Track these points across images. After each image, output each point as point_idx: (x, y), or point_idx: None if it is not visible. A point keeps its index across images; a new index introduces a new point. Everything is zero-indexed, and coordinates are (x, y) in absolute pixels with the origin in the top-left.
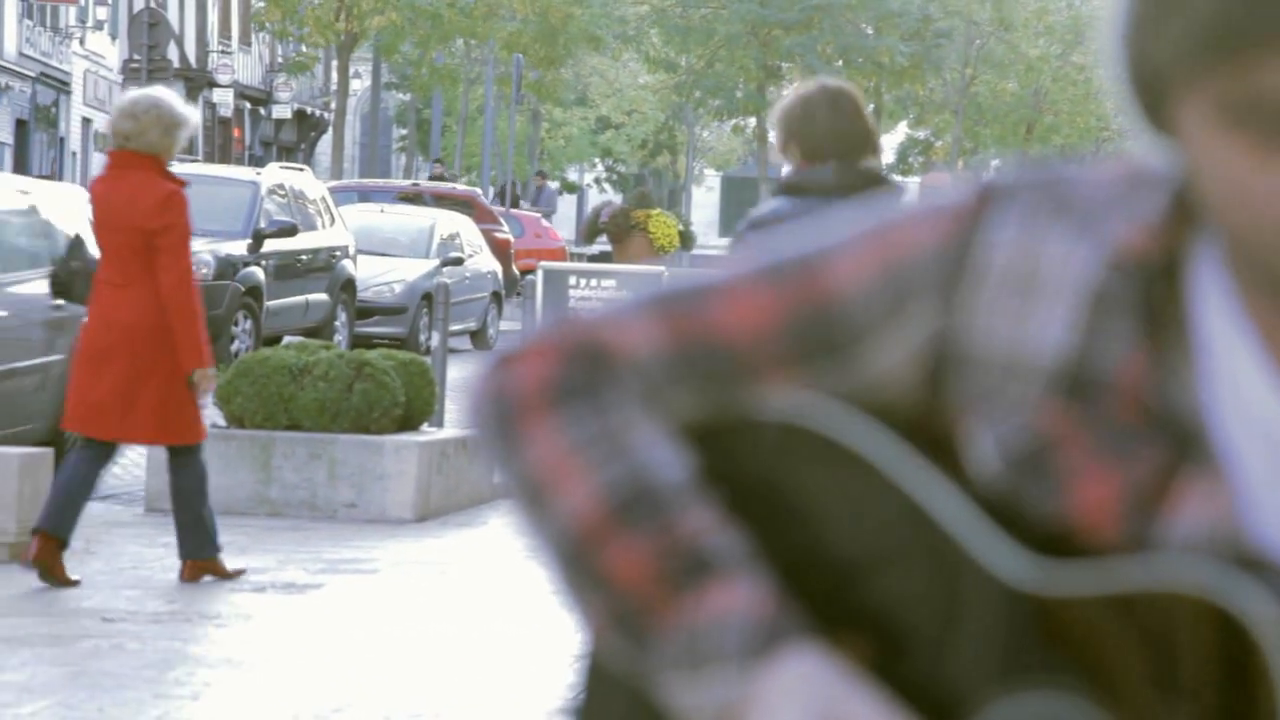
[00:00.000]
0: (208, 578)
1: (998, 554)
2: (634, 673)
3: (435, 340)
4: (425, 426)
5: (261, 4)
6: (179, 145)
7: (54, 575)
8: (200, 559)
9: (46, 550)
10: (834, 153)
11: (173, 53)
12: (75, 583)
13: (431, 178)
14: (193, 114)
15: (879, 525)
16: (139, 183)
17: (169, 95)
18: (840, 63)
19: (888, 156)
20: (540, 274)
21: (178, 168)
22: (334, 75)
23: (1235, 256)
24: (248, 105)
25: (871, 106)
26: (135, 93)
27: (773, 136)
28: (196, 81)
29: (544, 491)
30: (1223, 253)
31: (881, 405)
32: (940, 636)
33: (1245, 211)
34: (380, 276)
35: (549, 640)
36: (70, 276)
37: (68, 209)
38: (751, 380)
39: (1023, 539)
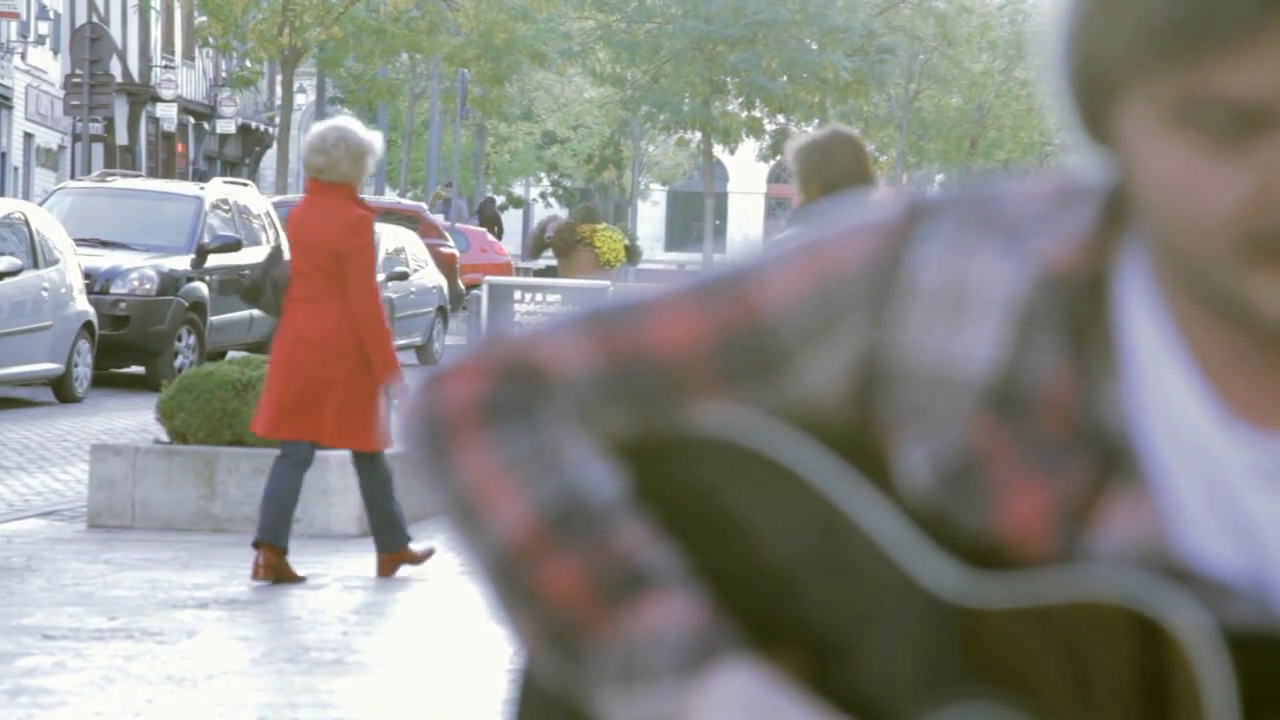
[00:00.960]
0: (402, 569)
1: (928, 567)
2: (569, 688)
3: None
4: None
5: (204, 19)
6: (368, 171)
7: (286, 577)
8: (394, 552)
9: (272, 560)
10: (850, 186)
11: (115, 67)
12: (303, 579)
13: (436, 198)
14: (376, 139)
15: (811, 540)
16: (332, 208)
17: (353, 125)
18: (785, 78)
19: None
20: (485, 289)
21: (120, 182)
22: (278, 90)
23: (1168, 266)
24: (191, 120)
25: (816, 122)
26: (322, 127)
27: (782, 167)
28: (140, 96)
29: (477, 509)
30: (1153, 265)
31: (813, 421)
32: (872, 650)
33: (1185, 212)
34: None
35: (493, 655)
36: (265, 286)
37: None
38: (684, 398)
39: (953, 552)
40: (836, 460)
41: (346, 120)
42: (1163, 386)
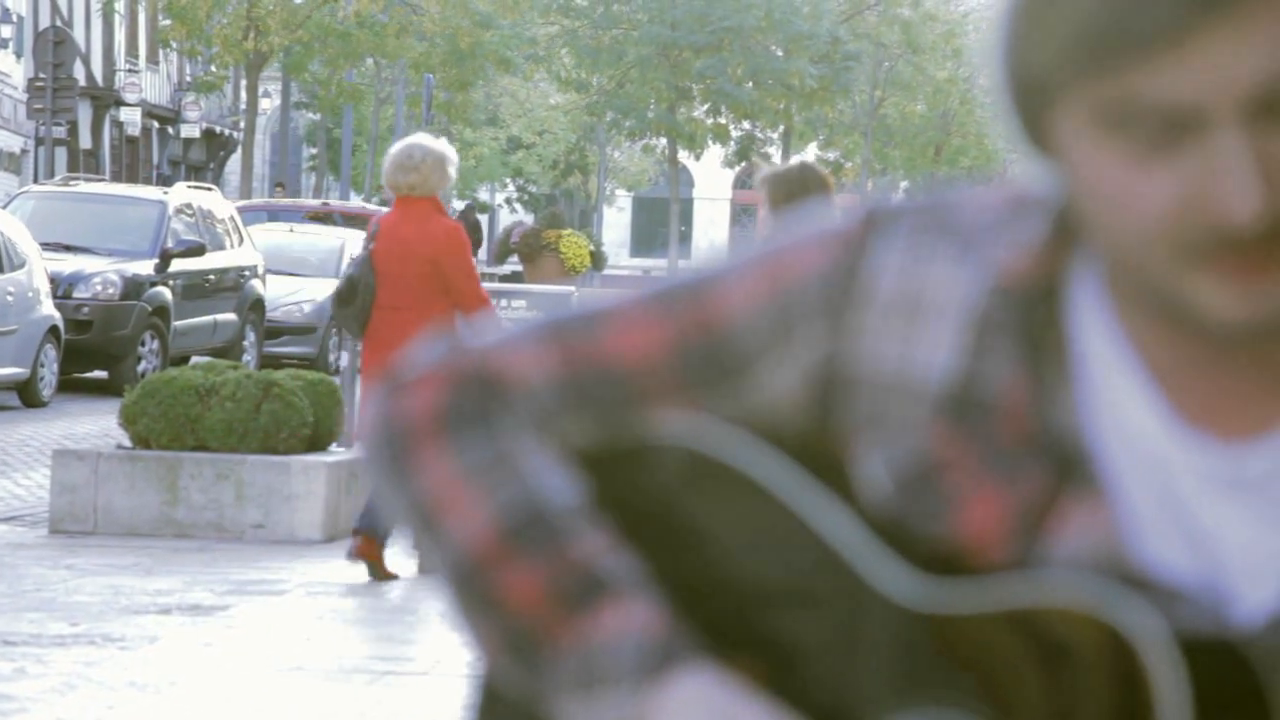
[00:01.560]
0: (358, 573)
1: (887, 573)
2: (529, 695)
3: (345, 360)
4: (333, 447)
5: (168, 22)
6: (451, 181)
7: (379, 573)
8: (377, 544)
9: (369, 549)
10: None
11: (79, 71)
12: (395, 576)
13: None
14: (452, 151)
15: (771, 547)
16: (424, 220)
17: (432, 141)
18: (750, 84)
19: None
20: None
21: (83, 187)
22: (243, 94)
23: (1113, 271)
24: (156, 124)
25: (781, 128)
26: (406, 145)
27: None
28: (103, 100)
29: (437, 517)
30: (1102, 272)
31: (773, 428)
32: (831, 656)
33: (1122, 218)
34: (289, 296)
35: (456, 661)
36: (358, 291)
37: None
38: (643, 406)
39: (911, 559)
40: (795, 467)
41: (423, 137)
42: (1116, 393)
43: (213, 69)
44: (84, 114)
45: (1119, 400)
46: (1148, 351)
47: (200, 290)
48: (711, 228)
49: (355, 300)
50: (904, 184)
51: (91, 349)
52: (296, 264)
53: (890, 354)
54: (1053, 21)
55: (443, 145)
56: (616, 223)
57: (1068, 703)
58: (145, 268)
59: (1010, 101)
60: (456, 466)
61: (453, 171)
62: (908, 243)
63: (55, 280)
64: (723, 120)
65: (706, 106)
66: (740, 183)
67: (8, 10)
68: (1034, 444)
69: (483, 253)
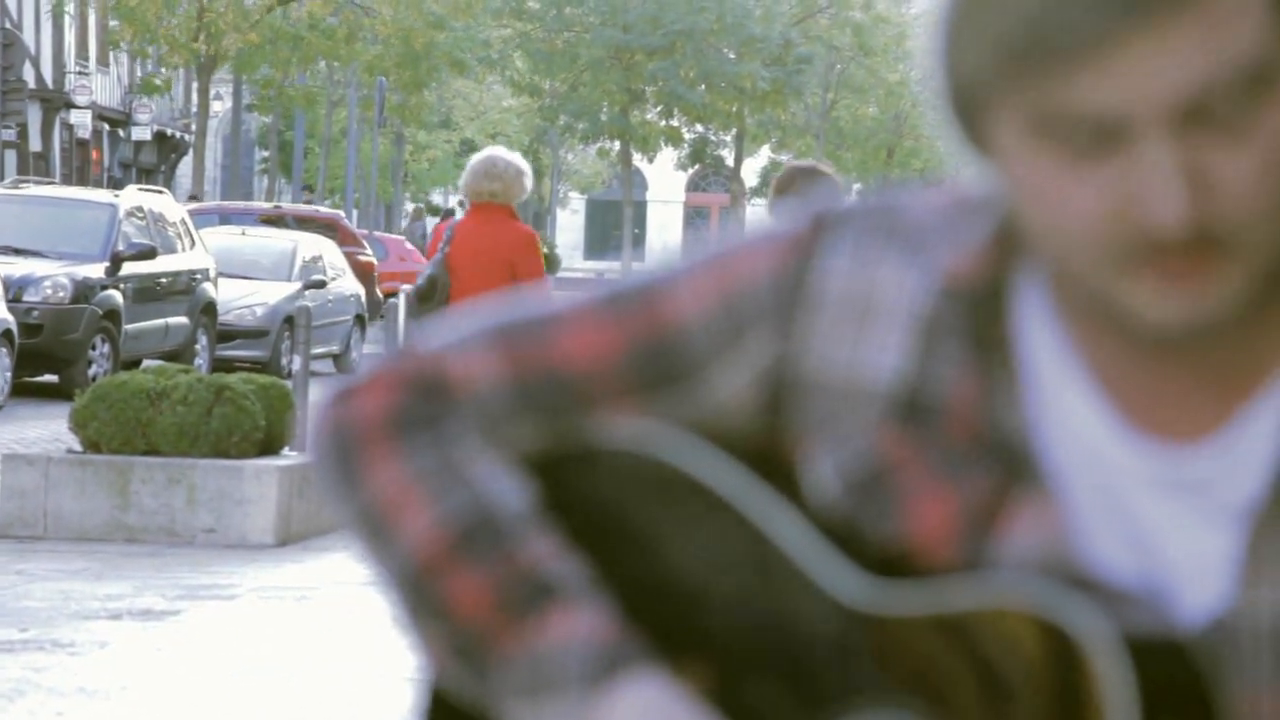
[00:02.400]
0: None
1: (836, 575)
2: (476, 700)
3: (297, 364)
4: (286, 450)
5: (117, 24)
6: (528, 191)
7: None
8: None
9: None
10: None
11: (29, 73)
12: None
13: (417, 215)
14: (525, 164)
15: (719, 551)
16: (502, 225)
17: (510, 154)
18: (703, 87)
19: (750, 180)
20: (403, 297)
21: (33, 189)
22: (194, 96)
23: (1051, 273)
24: (106, 127)
25: (734, 131)
26: (489, 155)
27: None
28: (53, 103)
29: (385, 522)
30: (1045, 274)
31: (723, 432)
32: (780, 659)
33: (1057, 223)
34: (242, 299)
35: (407, 665)
36: (436, 291)
37: None
38: (592, 410)
39: (861, 561)
40: (745, 471)
41: (502, 149)
42: (1061, 395)
43: (162, 70)
44: (34, 116)
45: (1064, 402)
46: (1090, 354)
47: (152, 293)
48: (665, 230)
49: (434, 297)
50: (856, 186)
51: (42, 353)
52: (249, 267)
53: (839, 357)
54: (982, 30)
55: (519, 160)
56: (570, 225)
57: (1015, 704)
58: (96, 271)
59: (949, 106)
60: (405, 471)
61: (528, 182)
62: (855, 246)
63: (5, 283)
64: (675, 123)
65: (659, 109)
66: (693, 185)
67: None
68: (982, 446)
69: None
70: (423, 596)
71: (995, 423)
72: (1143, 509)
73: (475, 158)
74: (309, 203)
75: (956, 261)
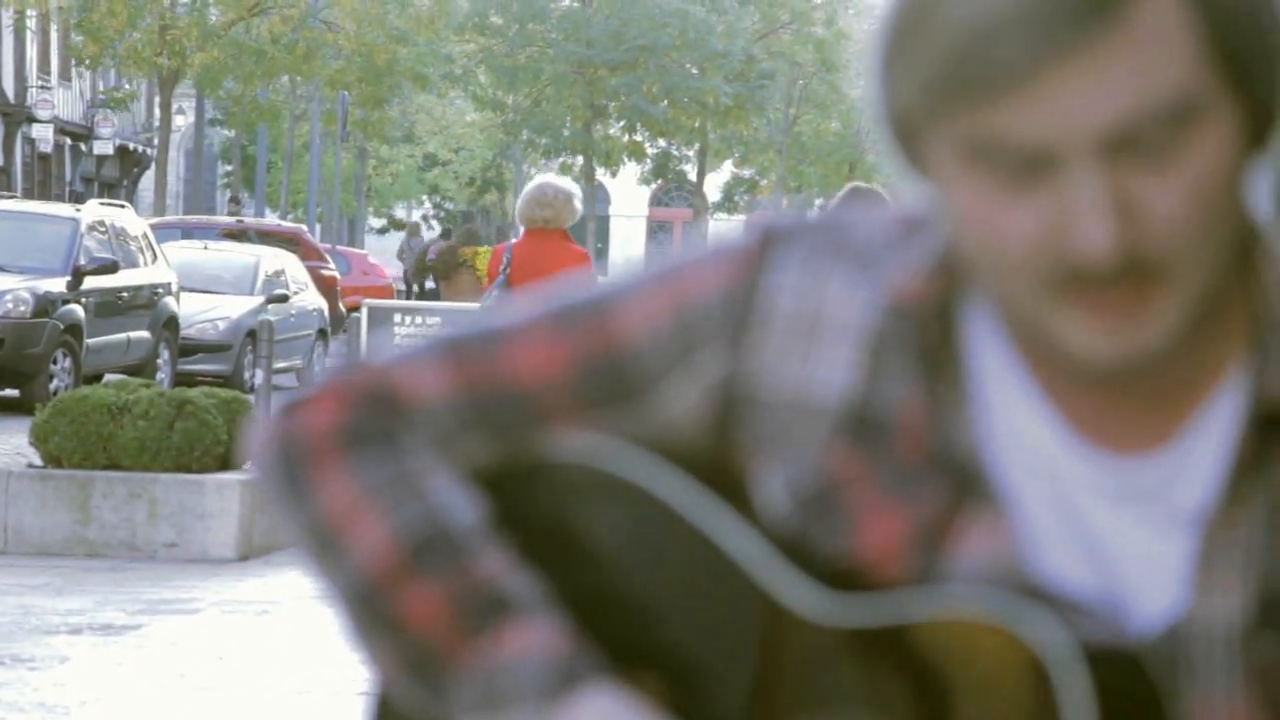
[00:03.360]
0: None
1: (789, 589)
2: (429, 715)
3: (260, 378)
4: (248, 465)
5: (80, 38)
6: (578, 215)
7: None
8: None
9: None
10: None
11: None
12: None
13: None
14: (577, 187)
15: (672, 564)
16: (557, 248)
17: (562, 180)
18: (665, 103)
19: (713, 195)
20: (364, 311)
21: None
22: (156, 111)
23: (988, 292)
24: (69, 141)
25: (697, 146)
26: (540, 184)
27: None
28: (15, 117)
29: (337, 537)
30: (988, 292)
31: (674, 447)
32: (734, 671)
33: (989, 249)
34: (204, 314)
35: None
36: None
37: None
38: (544, 425)
39: (814, 575)
40: (698, 485)
41: (553, 177)
42: (1010, 410)
43: (127, 85)
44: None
45: (1013, 416)
46: (1038, 370)
47: (113, 308)
48: (628, 244)
49: None
50: (819, 201)
51: (2, 367)
52: (211, 281)
53: (789, 373)
54: (913, 59)
55: (571, 185)
56: None
57: (970, 715)
58: (57, 285)
59: (887, 130)
60: (356, 485)
61: (579, 205)
62: (804, 262)
63: None
64: (638, 138)
65: (622, 124)
66: (656, 200)
67: None
68: (932, 461)
69: (398, 270)
70: (375, 611)
71: (945, 439)
72: (1095, 520)
73: (529, 186)
74: (234, 214)
75: (905, 279)
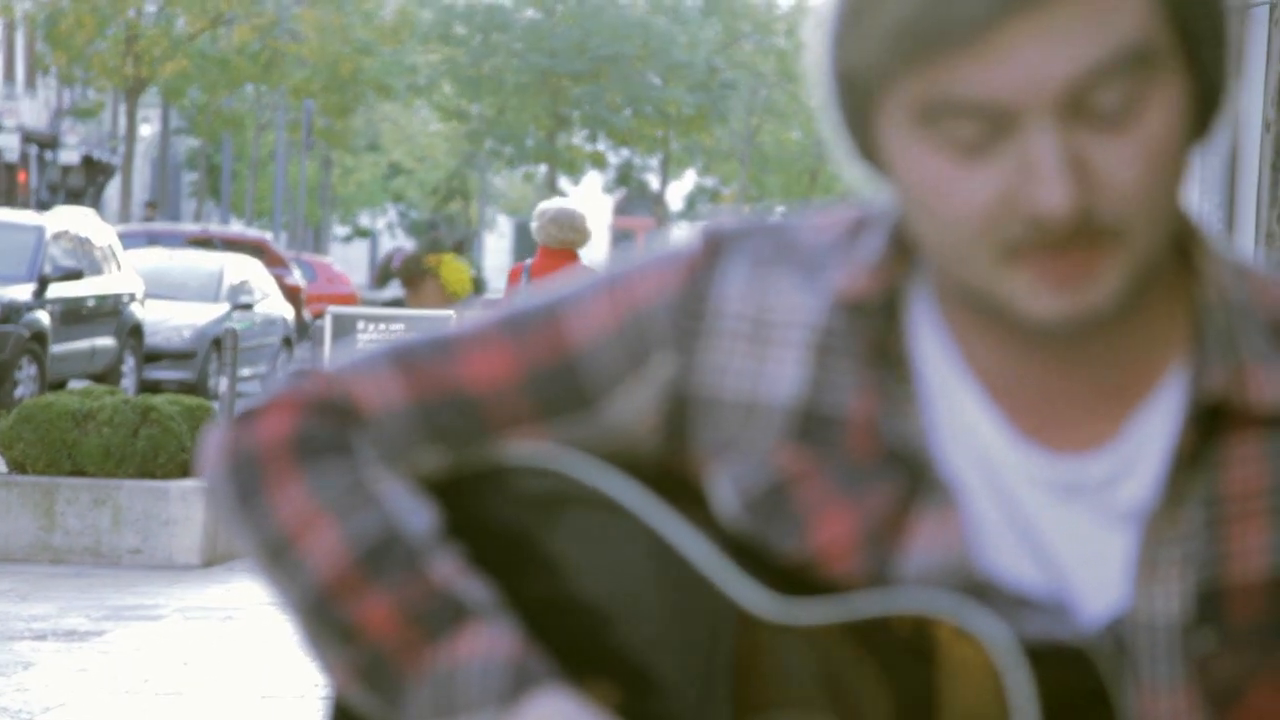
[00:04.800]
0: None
1: (742, 589)
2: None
3: (225, 386)
4: (202, 473)
5: (45, 47)
6: (590, 237)
7: None
8: None
9: None
10: None
11: None
12: None
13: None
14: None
15: (626, 567)
16: (570, 266)
17: (576, 205)
18: (629, 112)
19: (675, 204)
20: (328, 319)
21: None
22: (122, 120)
23: (940, 279)
24: (34, 149)
25: (660, 155)
26: (564, 208)
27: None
28: None
29: (290, 545)
30: (934, 285)
31: (627, 453)
32: (690, 674)
33: (943, 215)
34: (169, 321)
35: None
36: None
37: None
38: (497, 433)
39: (766, 576)
40: (651, 489)
41: (570, 203)
42: (956, 407)
43: (92, 92)
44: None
45: (959, 413)
46: (980, 366)
47: (78, 315)
48: (591, 253)
49: None
50: (780, 209)
51: None
52: (176, 289)
53: (738, 375)
54: (870, 19)
55: (582, 207)
56: (498, 248)
57: (920, 710)
58: (22, 292)
59: (837, 106)
60: (309, 494)
61: (591, 229)
62: (751, 265)
63: None
64: (601, 148)
65: (585, 134)
66: (620, 209)
67: None
68: (882, 459)
69: (363, 277)
70: (329, 619)
71: (893, 436)
72: (1039, 516)
73: (551, 211)
74: (150, 219)
75: (850, 278)
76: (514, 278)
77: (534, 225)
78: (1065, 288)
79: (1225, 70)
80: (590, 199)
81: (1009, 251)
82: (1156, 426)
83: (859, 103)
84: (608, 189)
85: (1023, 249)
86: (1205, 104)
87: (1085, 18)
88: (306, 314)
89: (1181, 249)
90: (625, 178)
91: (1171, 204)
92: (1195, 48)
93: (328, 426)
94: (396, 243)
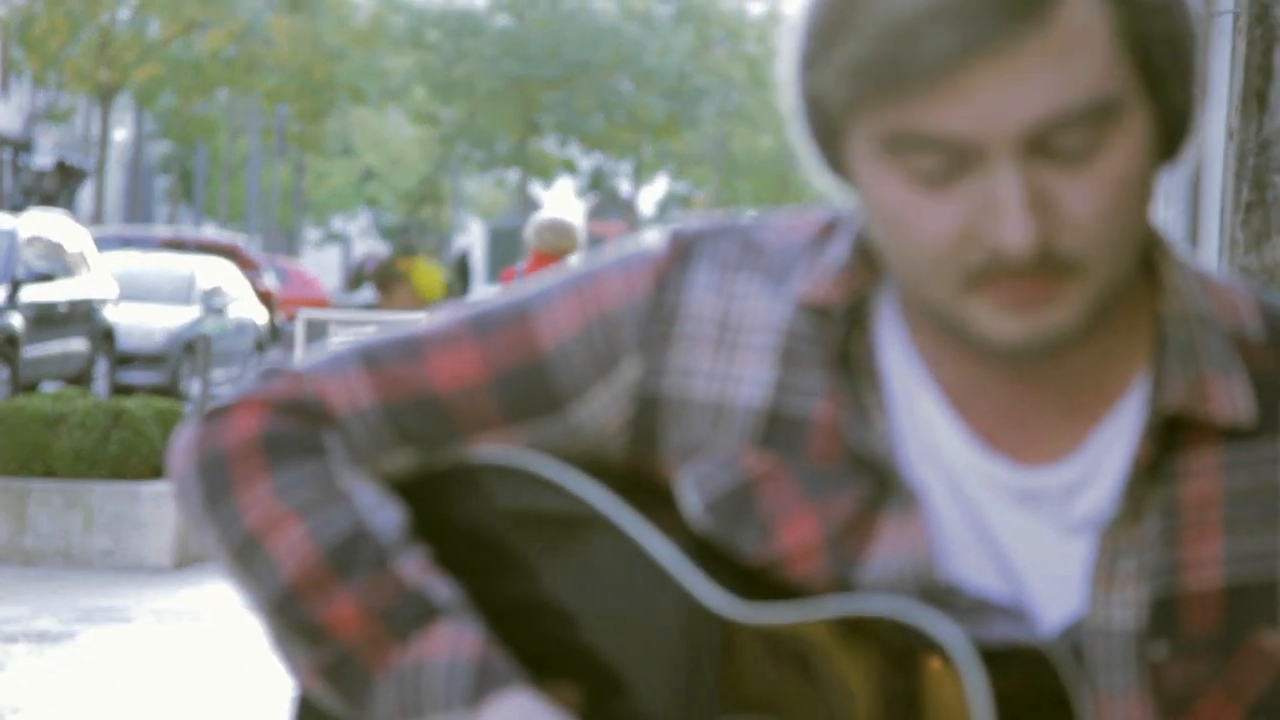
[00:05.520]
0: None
1: (706, 591)
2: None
3: (196, 388)
4: (168, 471)
5: (20, 52)
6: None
7: None
8: None
9: None
10: None
11: None
12: None
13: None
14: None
15: (591, 569)
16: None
17: (568, 215)
18: (600, 118)
19: (647, 209)
20: (301, 322)
21: None
22: (95, 124)
23: (902, 291)
24: (8, 153)
25: (632, 160)
26: (558, 218)
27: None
28: None
29: (259, 544)
30: (897, 293)
31: (594, 454)
32: (651, 674)
33: (908, 242)
34: (141, 324)
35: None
36: None
37: None
38: (464, 434)
39: (732, 578)
40: (618, 491)
41: (563, 212)
42: (920, 415)
43: (66, 95)
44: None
45: (923, 421)
46: (943, 376)
47: (51, 318)
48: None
49: None
50: (752, 214)
51: None
52: (149, 292)
53: (704, 378)
54: (835, 54)
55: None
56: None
57: (880, 713)
58: None
59: (806, 125)
60: (277, 493)
61: (580, 237)
62: (718, 268)
63: None
64: (573, 152)
65: (557, 139)
66: (593, 213)
67: None
68: (847, 464)
69: (336, 281)
70: (298, 617)
71: (858, 442)
72: (1000, 523)
73: (546, 219)
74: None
75: (816, 283)
76: (507, 280)
77: (528, 232)
78: (1026, 312)
79: (1192, 98)
80: (563, 204)
81: (971, 278)
82: (1118, 438)
83: (827, 124)
84: (580, 193)
85: (983, 278)
86: (1172, 130)
87: (1047, 65)
88: (279, 317)
89: (1146, 261)
90: (597, 182)
91: (1135, 232)
92: (1161, 81)
93: (296, 426)
94: (369, 246)
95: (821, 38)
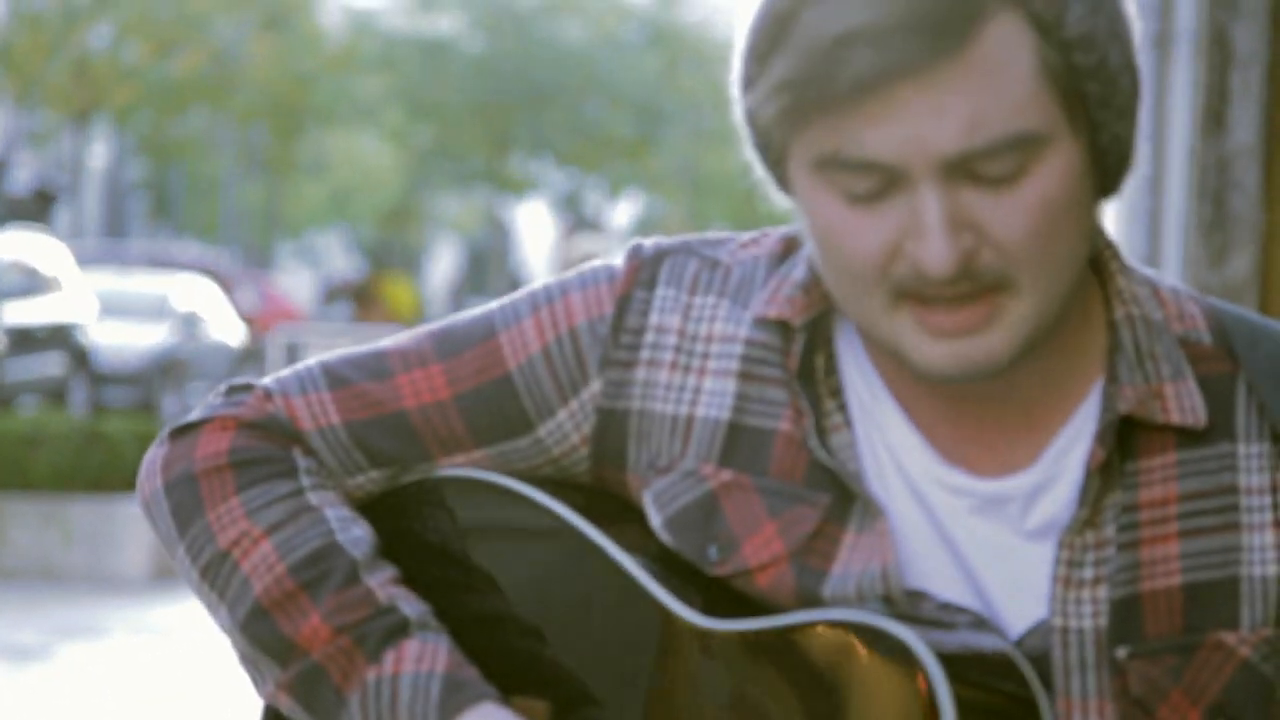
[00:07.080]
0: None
1: (672, 603)
2: None
3: (173, 406)
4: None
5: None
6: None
7: None
8: None
9: None
10: None
11: None
12: None
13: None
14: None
15: (559, 582)
16: None
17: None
18: (570, 138)
19: (621, 229)
20: (276, 338)
21: None
22: (73, 145)
23: (841, 309)
24: None
25: (602, 180)
26: (578, 245)
27: None
28: None
29: (229, 561)
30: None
31: (560, 469)
32: (618, 685)
33: (839, 259)
34: (119, 343)
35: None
36: None
37: None
38: (431, 451)
39: (696, 591)
40: (584, 506)
41: (594, 235)
42: (880, 428)
43: (43, 119)
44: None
45: (883, 434)
46: (900, 392)
47: (29, 336)
48: (537, 274)
49: None
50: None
51: None
52: (126, 311)
53: (667, 394)
54: (766, 78)
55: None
56: (444, 269)
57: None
58: None
59: (753, 144)
60: (246, 510)
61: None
62: (681, 285)
63: None
64: (544, 172)
65: (528, 159)
66: (567, 233)
67: None
68: (809, 476)
69: (312, 297)
70: (268, 633)
71: (820, 456)
72: (962, 532)
73: (561, 241)
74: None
75: (777, 300)
76: None
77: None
78: (953, 340)
79: (1126, 130)
80: (536, 224)
81: (898, 294)
82: (1075, 444)
83: (769, 146)
84: (553, 211)
85: (910, 292)
86: (1107, 160)
87: (966, 91)
88: (254, 334)
89: (1097, 270)
90: (572, 202)
91: (1072, 252)
92: (1091, 112)
93: (264, 444)
94: (343, 263)
95: (757, 58)
